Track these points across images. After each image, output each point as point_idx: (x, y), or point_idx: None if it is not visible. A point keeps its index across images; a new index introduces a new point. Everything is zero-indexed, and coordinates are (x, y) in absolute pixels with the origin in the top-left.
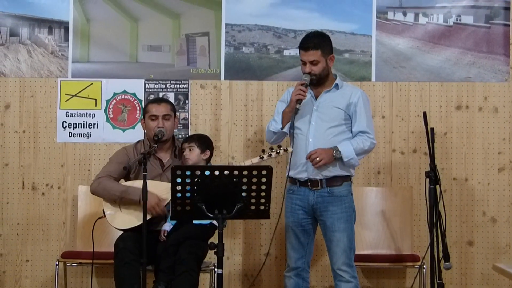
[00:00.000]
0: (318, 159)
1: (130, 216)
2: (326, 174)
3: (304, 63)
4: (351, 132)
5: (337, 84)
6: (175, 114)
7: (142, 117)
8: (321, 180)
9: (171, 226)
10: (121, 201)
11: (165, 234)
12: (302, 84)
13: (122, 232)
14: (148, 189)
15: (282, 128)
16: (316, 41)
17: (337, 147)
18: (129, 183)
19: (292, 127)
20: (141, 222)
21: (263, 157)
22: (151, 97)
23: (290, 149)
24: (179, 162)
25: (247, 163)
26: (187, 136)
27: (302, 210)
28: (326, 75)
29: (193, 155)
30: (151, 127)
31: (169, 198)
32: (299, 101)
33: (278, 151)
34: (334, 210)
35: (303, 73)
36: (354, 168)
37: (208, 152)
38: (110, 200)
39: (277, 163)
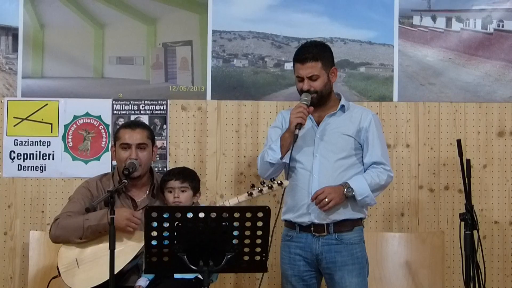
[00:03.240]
0: (326, 200)
1: (90, 273)
2: (335, 217)
3: (301, 79)
4: (363, 164)
5: (343, 106)
6: (153, 142)
7: (113, 144)
8: (327, 224)
9: (148, 282)
10: (88, 234)
11: None
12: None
13: None
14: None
15: (282, 158)
16: (315, 51)
17: (347, 184)
18: None
19: (289, 159)
20: (105, 279)
21: (251, 193)
22: (120, 121)
23: (285, 183)
24: (159, 204)
25: (233, 202)
26: (170, 169)
27: (303, 261)
28: (328, 93)
29: (187, 198)
30: (122, 158)
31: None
32: (298, 125)
33: (270, 185)
34: (344, 261)
35: (299, 92)
36: (367, 208)
37: (199, 194)
38: (74, 239)
39: (261, 200)
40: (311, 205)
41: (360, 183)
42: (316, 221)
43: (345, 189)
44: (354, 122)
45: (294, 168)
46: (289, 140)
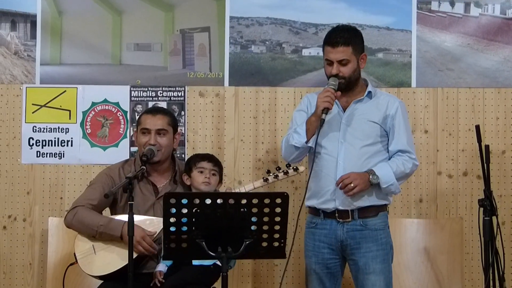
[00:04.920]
0: (352, 185)
1: (107, 259)
2: (360, 204)
3: (331, 63)
4: (388, 151)
5: (370, 92)
6: (175, 129)
7: (136, 129)
8: (352, 210)
9: (166, 268)
10: (100, 237)
11: (162, 276)
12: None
13: (102, 282)
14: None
15: (307, 142)
16: (347, 35)
17: (373, 171)
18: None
19: (315, 144)
20: (123, 264)
21: (267, 179)
22: (138, 107)
23: (301, 168)
24: (181, 190)
25: (248, 187)
26: (198, 153)
27: (328, 248)
28: (356, 79)
29: (216, 182)
30: (142, 143)
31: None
32: (325, 110)
33: (286, 171)
34: (368, 247)
35: (328, 76)
36: (391, 195)
37: (220, 184)
38: (87, 235)
39: (279, 187)
40: (336, 191)
41: (386, 171)
42: (340, 207)
43: (371, 176)
44: (381, 109)
45: (318, 154)
46: (315, 124)
